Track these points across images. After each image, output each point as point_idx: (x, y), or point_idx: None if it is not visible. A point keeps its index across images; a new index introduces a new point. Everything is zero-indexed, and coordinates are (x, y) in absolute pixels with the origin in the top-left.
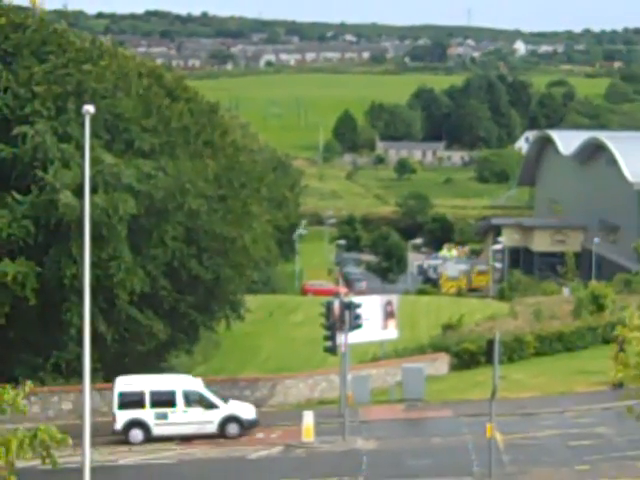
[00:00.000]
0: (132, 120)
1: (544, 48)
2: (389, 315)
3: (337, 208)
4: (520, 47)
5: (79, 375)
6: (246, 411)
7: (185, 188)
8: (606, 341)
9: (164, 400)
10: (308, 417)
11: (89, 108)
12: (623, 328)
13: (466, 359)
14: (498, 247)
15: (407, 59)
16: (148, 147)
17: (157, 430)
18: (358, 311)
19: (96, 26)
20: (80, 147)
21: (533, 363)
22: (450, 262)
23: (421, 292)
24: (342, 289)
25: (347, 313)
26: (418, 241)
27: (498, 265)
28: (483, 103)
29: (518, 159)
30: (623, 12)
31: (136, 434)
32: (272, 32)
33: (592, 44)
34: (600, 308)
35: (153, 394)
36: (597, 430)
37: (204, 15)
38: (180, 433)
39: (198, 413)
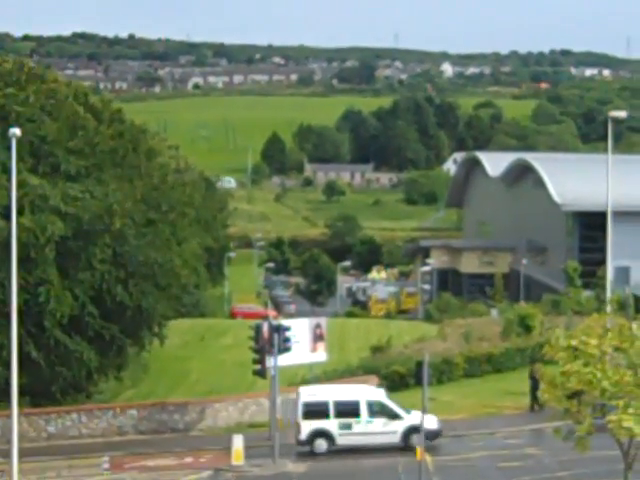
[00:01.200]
0: (58, 143)
1: (471, 70)
2: (318, 338)
3: (266, 230)
4: (447, 69)
5: (7, 400)
6: (429, 422)
7: (112, 210)
8: (534, 362)
9: (348, 410)
10: (238, 440)
11: (15, 131)
12: (550, 348)
13: (395, 381)
14: (427, 269)
15: (335, 81)
16: (74, 170)
17: (341, 440)
18: (287, 334)
19: (22, 48)
20: (6, 170)
21: (462, 384)
22: (379, 284)
23: (350, 314)
24: (271, 312)
25: (276, 336)
26: (347, 263)
27: (427, 287)
28: (411, 125)
29: (446, 181)
30: (549, 34)
31: (320, 444)
32: (200, 54)
33: (519, 66)
34: (528, 329)
35: (337, 404)
36: (527, 451)
37: (131, 37)
38: (363, 444)
39: (382, 424)
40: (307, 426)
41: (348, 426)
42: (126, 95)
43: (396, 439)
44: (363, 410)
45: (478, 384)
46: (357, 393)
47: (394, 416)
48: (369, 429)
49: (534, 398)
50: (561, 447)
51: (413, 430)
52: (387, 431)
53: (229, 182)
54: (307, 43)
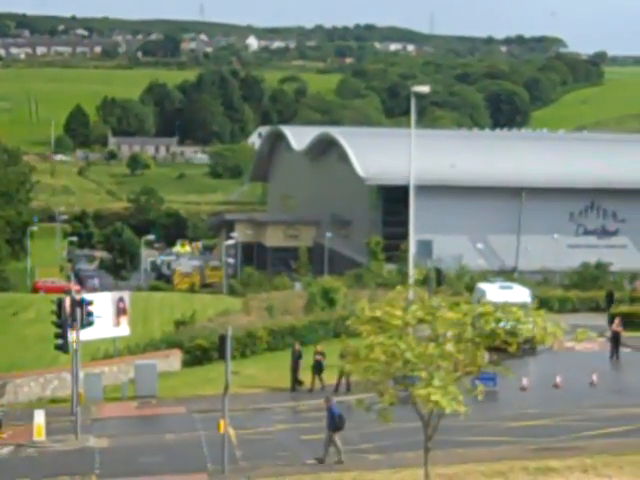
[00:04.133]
0: None
1: (276, 44)
2: (121, 312)
3: (69, 204)
4: (253, 42)
5: None
6: None
7: None
8: (337, 335)
9: None
10: (39, 416)
11: None
12: (355, 320)
13: (199, 355)
14: (231, 242)
15: (139, 54)
16: None
17: None
18: (90, 308)
19: None
20: None
21: (266, 358)
22: (183, 258)
23: (154, 288)
24: (74, 286)
25: (78, 310)
26: (151, 237)
27: (231, 261)
28: (216, 98)
29: (251, 154)
30: (354, 9)
31: None
32: (1, 25)
33: (324, 40)
34: (332, 303)
35: None
36: None
37: None
38: None
39: None
40: None
41: None
42: None
43: None
44: None
45: (281, 357)
46: None
47: None
48: None
49: (295, 377)
50: (364, 420)
51: None
52: None
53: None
54: (111, 15)
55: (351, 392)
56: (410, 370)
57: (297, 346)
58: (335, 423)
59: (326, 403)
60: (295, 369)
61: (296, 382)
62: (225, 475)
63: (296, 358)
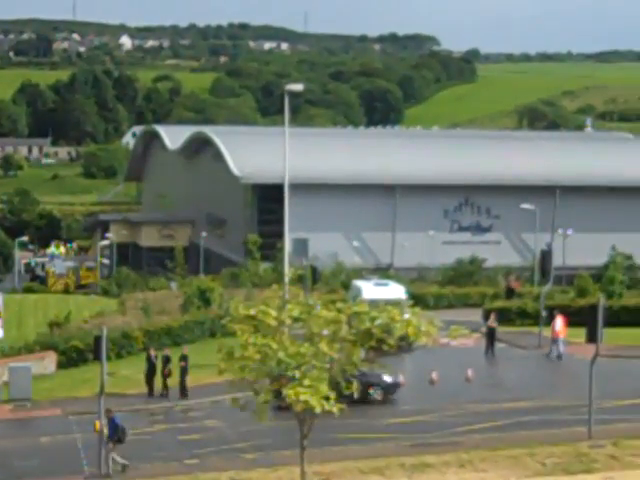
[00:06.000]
0: None
1: (150, 43)
2: None
3: None
4: (126, 42)
5: None
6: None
7: None
8: (213, 334)
9: None
10: None
11: None
12: (231, 319)
13: (74, 356)
14: (106, 243)
15: (11, 54)
16: None
17: None
18: None
19: None
20: None
21: (142, 358)
22: (58, 259)
23: (28, 290)
24: None
25: None
26: (25, 239)
27: (106, 261)
28: (89, 98)
29: (125, 154)
30: (227, 7)
31: None
32: None
33: (198, 39)
34: (208, 302)
35: None
36: (207, 423)
37: None
38: None
39: None
40: None
41: None
42: None
43: None
44: None
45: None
46: None
47: None
48: None
49: (149, 382)
50: (242, 419)
51: None
52: None
53: None
54: None
55: (187, 397)
56: (284, 370)
57: (151, 351)
58: (117, 435)
59: (107, 415)
60: (150, 375)
61: (150, 388)
62: (102, 477)
63: (151, 364)
